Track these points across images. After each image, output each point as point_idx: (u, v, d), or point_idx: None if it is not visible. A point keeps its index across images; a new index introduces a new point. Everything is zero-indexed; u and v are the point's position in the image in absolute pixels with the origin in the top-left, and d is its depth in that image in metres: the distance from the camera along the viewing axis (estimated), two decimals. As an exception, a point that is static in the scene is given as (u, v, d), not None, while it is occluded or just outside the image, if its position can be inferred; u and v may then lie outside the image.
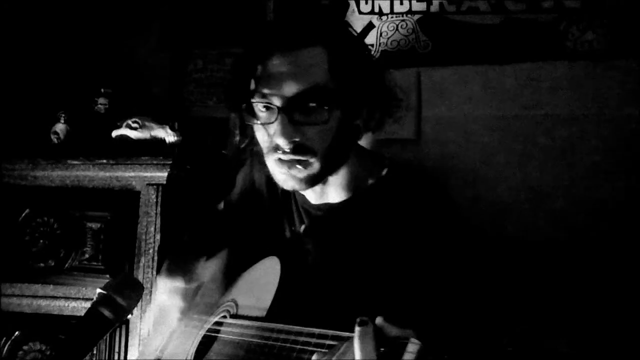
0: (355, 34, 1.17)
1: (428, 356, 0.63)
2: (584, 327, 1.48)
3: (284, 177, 1.05)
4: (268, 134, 1.03)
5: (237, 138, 1.13)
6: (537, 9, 1.78)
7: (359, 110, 1.06)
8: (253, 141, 1.10)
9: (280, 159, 1.03)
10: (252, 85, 1.03)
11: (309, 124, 1.00)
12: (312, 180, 1.05)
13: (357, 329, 0.69)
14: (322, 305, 0.96)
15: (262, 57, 1.02)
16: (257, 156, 1.13)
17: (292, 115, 1.00)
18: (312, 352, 0.79)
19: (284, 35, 1.04)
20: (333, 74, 1.00)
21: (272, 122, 1.01)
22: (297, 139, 1.00)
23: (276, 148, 1.02)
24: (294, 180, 1.04)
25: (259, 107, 1.03)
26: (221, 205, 1.40)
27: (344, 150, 1.07)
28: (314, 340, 0.80)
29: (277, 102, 1.00)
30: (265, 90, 1.01)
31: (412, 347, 0.65)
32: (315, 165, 1.03)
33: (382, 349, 0.67)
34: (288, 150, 1.01)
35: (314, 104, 1.00)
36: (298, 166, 1.02)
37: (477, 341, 0.62)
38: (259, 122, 1.04)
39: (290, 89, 0.99)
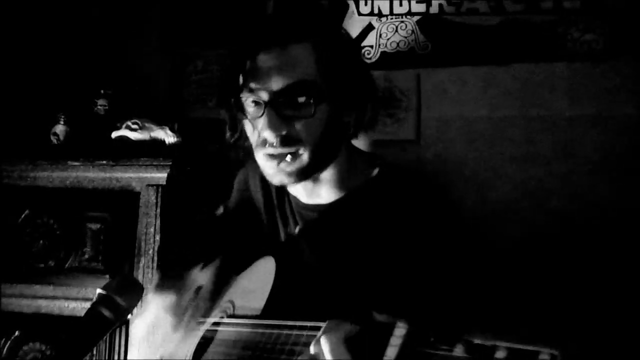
0: (344, 31, 1.18)
1: (415, 339, 0.64)
2: (584, 326, 1.48)
3: (273, 171, 1.05)
4: (256, 129, 1.04)
5: (228, 134, 1.14)
6: (536, 10, 1.78)
7: (347, 106, 1.06)
8: (242, 136, 1.11)
9: (269, 154, 1.04)
10: (241, 81, 1.04)
11: (296, 118, 1.01)
12: (301, 174, 1.05)
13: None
14: (316, 303, 0.96)
15: (250, 52, 1.03)
16: (251, 157, 1.13)
17: (279, 109, 1.01)
18: (304, 344, 0.79)
19: (272, 31, 1.05)
20: (320, 69, 1.01)
21: (260, 117, 1.02)
22: (284, 132, 1.01)
23: (264, 142, 1.03)
24: (282, 174, 1.05)
25: (247, 102, 1.05)
26: (220, 210, 1.40)
27: (333, 145, 1.08)
28: (305, 332, 0.81)
29: (264, 96, 1.01)
30: (253, 85, 1.02)
31: (400, 330, 0.65)
32: (304, 157, 1.03)
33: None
34: (275, 144, 1.02)
35: (301, 98, 1.01)
36: (287, 159, 1.03)
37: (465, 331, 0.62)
38: (247, 117, 1.05)
39: (277, 83, 1.00)
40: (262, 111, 1.01)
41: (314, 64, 1.01)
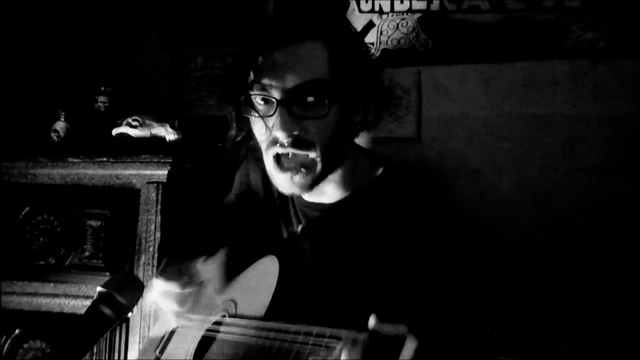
0: (355, 31, 1.17)
1: (426, 352, 0.64)
2: (584, 326, 1.48)
3: (285, 183, 1.04)
4: (266, 127, 1.03)
5: (233, 132, 1.13)
6: (537, 7, 1.77)
7: (356, 106, 1.06)
8: (249, 135, 1.10)
9: (280, 157, 1.03)
10: (251, 78, 1.03)
11: (308, 118, 1.00)
12: (313, 185, 1.05)
13: (345, 345, 0.70)
14: (320, 303, 0.96)
15: (262, 49, 1.02)
16: (253, 153, 1.12)
17: (291, 108, 0.99)
18: (310, 353, 0.79)
19: (285, 28, 1.03)
20: (332, 68, 1.00)
21: (271, 115, 1.00)
22: (296, 132, 1.00)
23: (275, 141, 1.02)
24: (295, 186, 1.04)
25: (257, 99, 1.03)
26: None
27: (342, 146, 1.07)
28: (312, 339, 0.80)
29: (276, 94, 1.00)
30: (265, 82, 1.00)
31: (411, 344, 0.65)
32: (318, 167, 1.02)
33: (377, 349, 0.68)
34: (287, 144, 1.00)
35: (312, 98, 1.00)
36: (302, 171, 1.02)
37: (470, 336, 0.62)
38: (257, 114, 1.04)
39: (290, 81, 0.99)
40: (273, 109, 1.00)
41: (326, 62, 1.00)
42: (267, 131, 1.03)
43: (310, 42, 1.01)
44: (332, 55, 1.01)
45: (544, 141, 1.73)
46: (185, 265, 1.20)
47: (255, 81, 1.02)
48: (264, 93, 1.01)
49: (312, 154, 1.02)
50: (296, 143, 1.01)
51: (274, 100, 1.00)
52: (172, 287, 1.15)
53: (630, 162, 1.65)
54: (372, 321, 0.71)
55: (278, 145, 1.02)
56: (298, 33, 1.01)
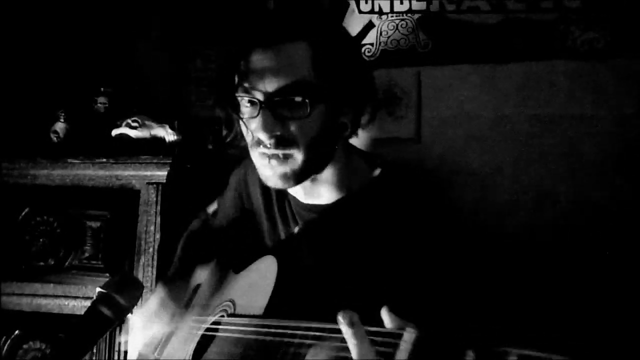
0: (341, 28, 1.17)
1: (425, 344, 0.64)
2: (583, 327, 1.48)
3: (269, 173, 1.04)
4: (249, 129, 1.03)
5: (224, 133, 1.13)
6: (537, 8, 1.77)
7: (344, 106, 1.05)
8: (238, 136, 1.11)
9: (263, 153, 1.03)
10: (236, 80, 1.03)
11: (292, 118, 1.00)
12: (296, 177, 1.04)
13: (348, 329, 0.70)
14: (318, 302, 0.96)
15: (245, 51, 1.02)
16: (248, 156, 1.13)
17: (274, 109, 0.99)
18: (310, 346, 0.79)
19: (267, 30, 1.03)
20: (316, 69, 1.00)
21: (255, 117, 1.01)
22: (278, 133, 1.00)
23: (258, 142, 1.03)
24: (276, 177, 1.04)
25: (243, 102, 1.04)
26: (214, 206, 1.40)
27: (328, 146, 1.07)
28: (311, 333, 0.80)
29: (259, 96, 1.00)
30: (248, 85, 1.00)
31: (409, 335, 0.65)
32: (298, 160, 1.02)
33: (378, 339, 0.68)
34: (269, 145, 1.01)
35: (298, 98, 0.99)
36: (280, 155, 1.02)
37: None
38: (242, 116, 1.04)
39: (272, 84, 0.99)
40: (257, 111, 1.00)
41: (310, 64, 0.99)
42: (249, 132, 1.03)
43: (292, 44, 1.00)
44: (316, 57, 1.00)
45: (544, 141, 1.73)
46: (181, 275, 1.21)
47: (239, 84, 1.02)
48: (248, 95, 1.01)
49: (294, 153, 1.02)
50: (279, 143, 1.01)
51: (257, 102, 1.00)
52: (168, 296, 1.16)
53: (630, 162, 1.65)
54: (384, 311, 0.70)
55: (262, 146, 1.02)
56: (280, 35, 1.01)
